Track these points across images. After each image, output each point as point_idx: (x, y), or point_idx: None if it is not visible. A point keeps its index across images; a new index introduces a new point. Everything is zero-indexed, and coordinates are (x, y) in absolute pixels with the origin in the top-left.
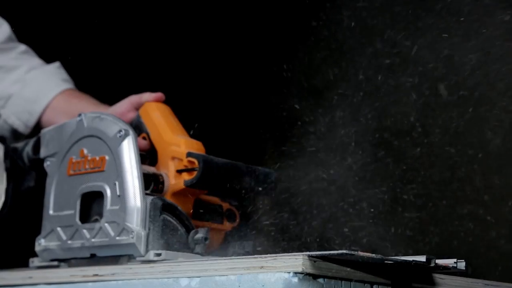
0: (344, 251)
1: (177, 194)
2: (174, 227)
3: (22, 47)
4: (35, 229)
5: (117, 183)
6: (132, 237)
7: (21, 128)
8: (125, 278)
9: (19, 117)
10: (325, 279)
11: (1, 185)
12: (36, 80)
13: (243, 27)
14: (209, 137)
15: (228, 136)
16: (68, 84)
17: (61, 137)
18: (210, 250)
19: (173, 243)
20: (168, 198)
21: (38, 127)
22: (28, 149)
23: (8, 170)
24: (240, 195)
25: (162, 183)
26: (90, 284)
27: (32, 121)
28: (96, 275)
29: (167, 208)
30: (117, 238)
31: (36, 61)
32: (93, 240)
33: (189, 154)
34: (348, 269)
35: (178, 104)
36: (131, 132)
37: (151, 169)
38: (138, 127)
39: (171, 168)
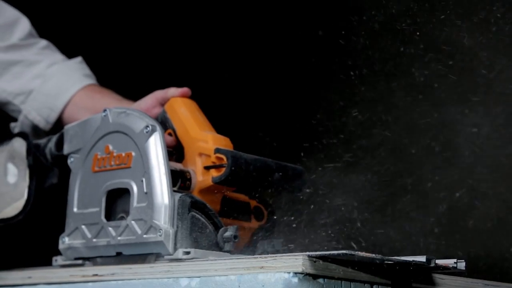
0: (344, 251)
1: (204, 191)
2: (203, 225)
3: (43, 42)
4: (59, 227)
5: (144, 179)
6: (160, 235)
7: (42, 124)
8: (125, 278)
9: (39, 112)
10: (325, 279)
11: (24, 182)
12: (57, 76)
13: (262, 21)
14: (233, 133)
15: (252, 131)
16: (90, 80)
17: (85, 133)
18: (238, 248)
19: (201, 241)
20: (195, 195)
21: (59, 123)
22: (51, 145)
23: (30, 167)
24: (268, 193)
25: (189, 180)
26: (90, 284)
27: (53, 117)
28: (96, 275)
29: (195, 205)
30: (144, 236)
31: (57, 56)
32: (119, 238)
33: (217, 150)
34: (348, 269)
35: (202, 100)
36: (158, 127)
37: (178, 166)
38: (163, 123)
39: (199, 164)
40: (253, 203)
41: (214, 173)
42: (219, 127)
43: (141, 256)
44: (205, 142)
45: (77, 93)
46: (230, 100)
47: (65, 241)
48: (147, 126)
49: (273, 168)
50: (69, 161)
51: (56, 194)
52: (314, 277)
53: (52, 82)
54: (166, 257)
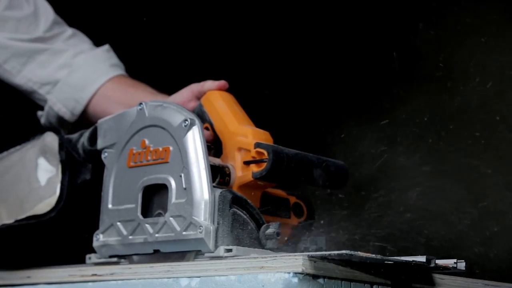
0: (344, 252)
1: (244, 187)
2: (244, 222)
3: (69, 31)
4: (92, 224)
5: (182, 175)
6: (201, 232)
7: (67, 115)
8: (125, 278)
9: (65, 104)
10: (325, 279)
11: (56, 178)
12: (83, 66)
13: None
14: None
15: (291, 125)
16: (118, 70)
17: (120, 127)
18: (279, 246)
19: (243, 239)
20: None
21: (84, 115)
22: (84, 140)
23: (63, 162)
24: (309, 188)
25: (229, 175)
26: (90, 284)
27: (78, 109)
28: (95, 274)
29: (237, 201)
30: (184, 233)
31: (84, 45)
32: (156, 235)
33: (257, 145)
34: (348, 269)
35: (239, 93)
36: (197, 121)
37: (216, 161)
38: (200, 117)
39: (238, 159)
40: (293, 199)
41: (254, 168)
42: (256, 121)
43: (179, 253)
44: (245, 136)
45: (104, 85)
46: (265, 93)
47: (99, 239)
48: (186, 120)
49: (315, 163)
50: (103, 156)
51: (89, 190)
52: (314, 277)
53: (78, 73)
54: (206, 254)
